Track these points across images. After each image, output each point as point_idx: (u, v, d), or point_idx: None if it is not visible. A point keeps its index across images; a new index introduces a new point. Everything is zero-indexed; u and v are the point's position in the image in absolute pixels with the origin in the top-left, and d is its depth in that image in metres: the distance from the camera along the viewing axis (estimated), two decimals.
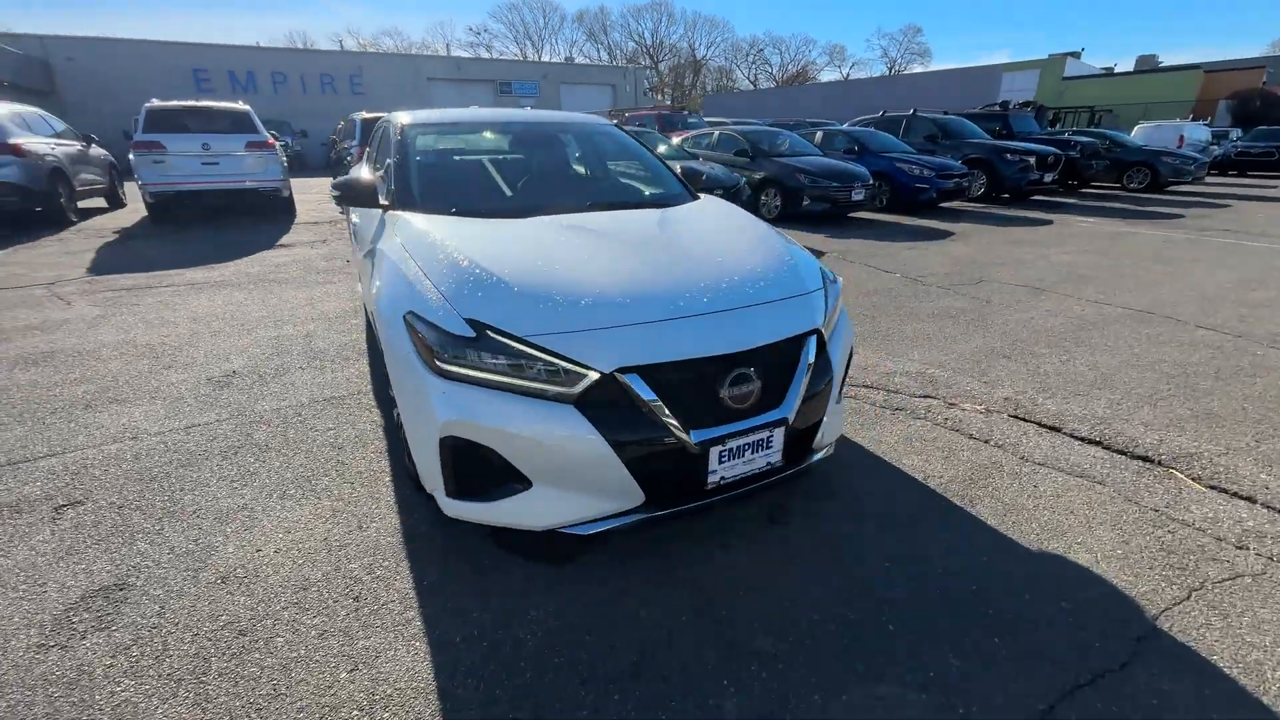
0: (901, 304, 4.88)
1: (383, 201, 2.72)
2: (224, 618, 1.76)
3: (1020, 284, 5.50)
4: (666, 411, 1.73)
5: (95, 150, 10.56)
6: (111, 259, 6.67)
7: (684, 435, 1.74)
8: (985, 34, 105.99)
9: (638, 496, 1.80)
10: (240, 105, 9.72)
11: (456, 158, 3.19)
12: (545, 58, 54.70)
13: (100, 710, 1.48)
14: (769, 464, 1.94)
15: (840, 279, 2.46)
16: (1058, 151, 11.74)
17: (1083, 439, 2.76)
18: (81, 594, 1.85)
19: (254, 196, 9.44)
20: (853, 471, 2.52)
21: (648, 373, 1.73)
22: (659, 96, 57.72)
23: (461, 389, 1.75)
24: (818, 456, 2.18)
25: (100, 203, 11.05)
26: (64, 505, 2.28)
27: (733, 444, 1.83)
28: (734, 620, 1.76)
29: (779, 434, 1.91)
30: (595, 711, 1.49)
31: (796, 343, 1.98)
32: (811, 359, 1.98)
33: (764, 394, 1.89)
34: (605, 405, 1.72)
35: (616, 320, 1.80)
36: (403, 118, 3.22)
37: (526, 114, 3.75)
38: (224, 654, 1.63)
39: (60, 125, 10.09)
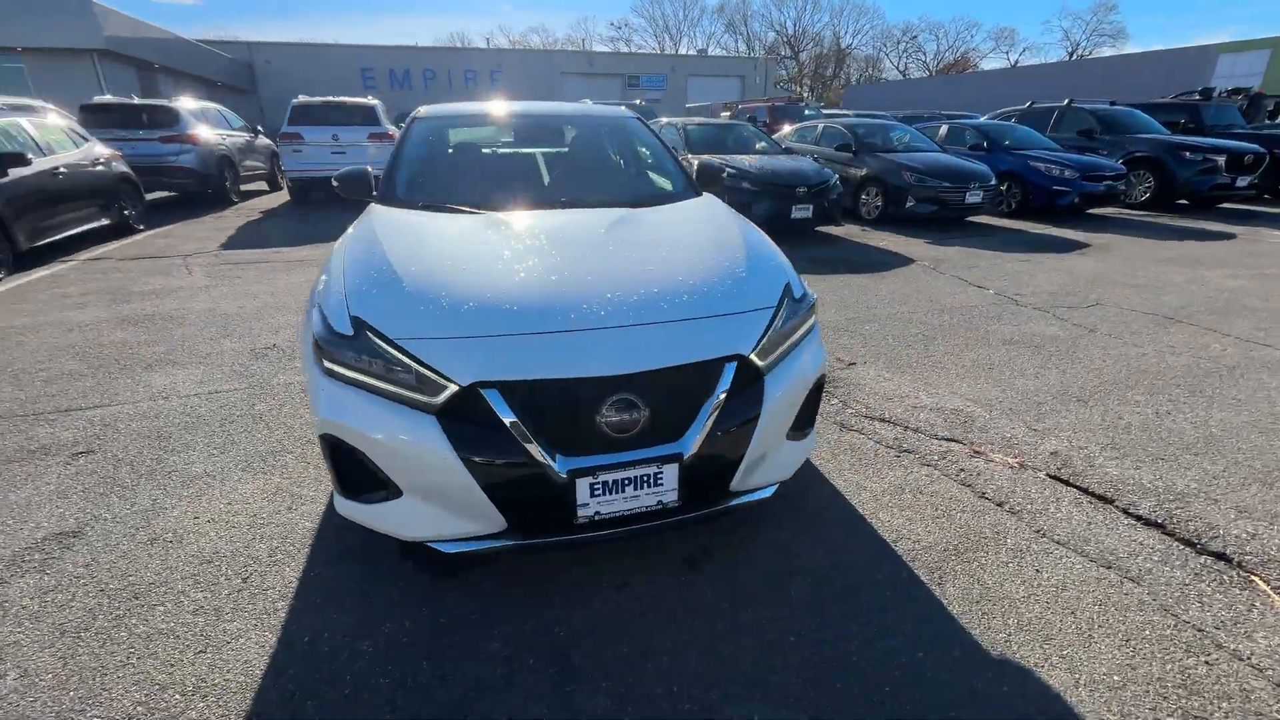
0: (975, 326, 4.22)
1: (374, 194, 2.80)
2: (130, 579, 1.89)
3: (1147, 311, 4.53)
4: (527, 434, 1.57)
5: (260, 140, 12.21)
6: (245, 235, 7.65)
7: (548, 462, 1.58)
8: (1198, 10, 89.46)
9: (498, 522, 1.66)
10: (370, 100, 10.71)
11: (451, 151, 3.20)
12: (682, 51, 54.74)
13: None
14: (660, 503, 1.71)
15: (813, 296, 2.12)
16: (1258, 150, 9.56)
17: (1139, 517, 2.17)
18: (45, 535, 2.09)
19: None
20: (809, 520, 2.18)
21: (511, 389, 1.59)
22: (797, 89, 55.48)
23: (339, 387, 1.72)
24: (743, 499, 1.89)
25: (262, 186, 12.75)
26: (80, 453, 2.61)
27: (608, 477, 1.63)
28: (582, 675, 1.58)
29: (670, 471, 1.67)
30: None
31: (708, 369, 1.72)
32: (725, 389, 1.71)
33: (657, 424, 1.67)
34: (467, 421, 1.60)
35: (493, 329, 1.68)
36: (419, 110, 3.30)
37: (540, 106, 3.70)
38: (110, 614, 1.75)
39: (236, 119, 11.80)
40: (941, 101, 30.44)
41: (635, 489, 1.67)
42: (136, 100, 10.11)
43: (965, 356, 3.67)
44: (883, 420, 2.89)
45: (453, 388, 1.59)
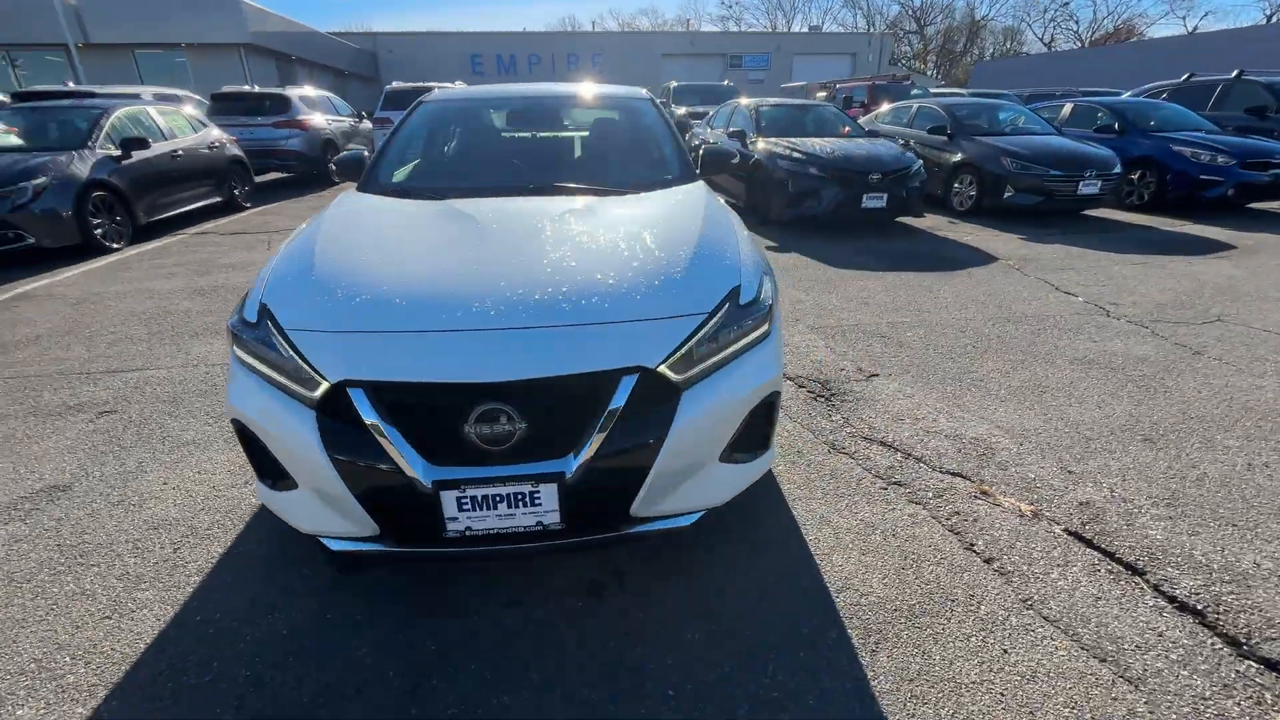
0: (1043, 340, 3.62)
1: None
2: (86, 538, 2.04)
3: None
4: (389, 438, 1.48)
5: (364, 125, 13.11)
6: None
7: (411, 471, 1.48)
8: None
9: (371, 526, 1.60)
10: (456, 85, 11.10)
11: (444, 135, 3.15)
12: (796, 28, 52.21)
13: None
14: (540, 524, 1.56)
15: (767, 302, 1.86)
16: None
17: (1172, 599, 1.73)
18: (41, 487, 2.31)
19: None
20: (747, 553, 1.94)
21: (378, 390, 1.50)
22: (919, 65, 51.19)
23: (244, 374, 1.72)
24: (653, 527, 1.70)
25: None
26: (104, 412, 2.88)
27: (476, 492, 1.51)
28: (435, 698, 1.48)
29: (550, 491, 1.52)
30: None
31: (600, 381, 1.54)
32: (620, 405, 1.52)
33: (538, 438, 1.52)
34: (340, 419, 1.54)
35: (377, 325, 1.60)
36: (427, 95, 3.29)
37: (548, 88, 3.55)
38: (53, 569, 1.89)
39: (344, 106, 12.73)
40: (1091, 77, 26.67)
41: (510, 507, 1.54)
42: (255, 89, 11.15)
43: (1016, 375, 3.15)
44: (883, 444, 2.54)
45: (325, 384, 1.54)
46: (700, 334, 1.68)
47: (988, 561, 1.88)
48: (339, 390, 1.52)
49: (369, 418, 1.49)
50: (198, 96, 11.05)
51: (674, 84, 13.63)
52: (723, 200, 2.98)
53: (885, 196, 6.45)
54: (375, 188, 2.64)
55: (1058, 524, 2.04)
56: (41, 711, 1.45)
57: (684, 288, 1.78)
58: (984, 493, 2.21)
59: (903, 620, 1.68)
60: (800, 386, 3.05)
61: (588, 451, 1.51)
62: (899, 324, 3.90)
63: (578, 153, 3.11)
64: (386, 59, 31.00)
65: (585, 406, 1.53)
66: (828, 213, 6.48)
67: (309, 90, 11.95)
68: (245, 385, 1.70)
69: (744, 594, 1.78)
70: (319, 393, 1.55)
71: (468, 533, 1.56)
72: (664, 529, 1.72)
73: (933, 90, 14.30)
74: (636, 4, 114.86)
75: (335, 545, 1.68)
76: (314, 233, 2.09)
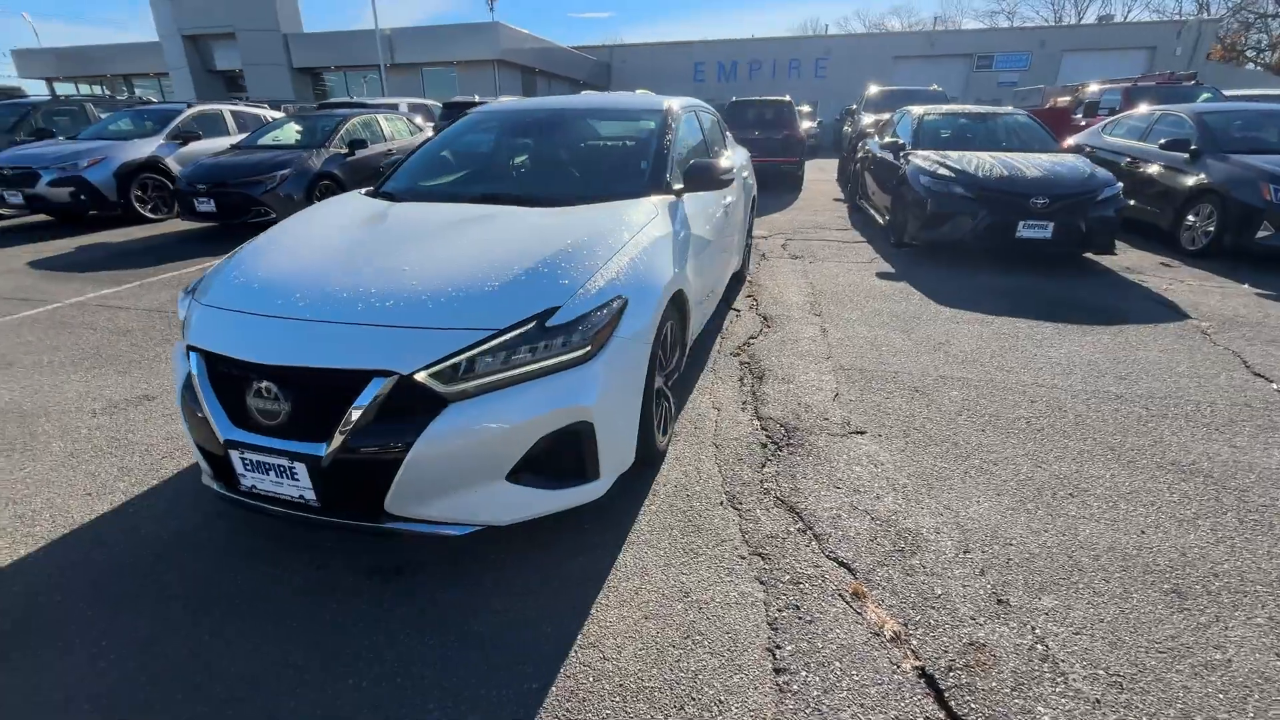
0: (1147, 432, 2.70)
1: None
2: (139, 435, 2.75)
3: None
4: (202, 396, 1.78)
5: None
6: None
7: (214, 427, 1.76)
8: None
9: (207, 468, 1.92)
10: (639, 94, 11.70)
11: (461, 143, 3.40)
12: (1089, 19, 43.88)
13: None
14: (301, 497, 1.73)
15: (585, 334, 1.78)
16: None
17: None
18: (137, 395, 3.15)
19: None
20: (537, 587, 1.86)
21: (209, 358, 1.80)
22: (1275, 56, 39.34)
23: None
24: (415, 527, 1.75)
25: None
26: None
27: (251, 456, 1.73)
28: (220, 629, 1.74)
29: (302, 469, 1.68)
30: None
31: (355, 379, 1.64)
32: (364, 404, 1.62)
33: (304, 421, 1.68)
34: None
35: (237, 304, 1.90)
36: (479, 106, 3.64)
37: (564, 101, 3.64)
38: (115, 449, 2.60)
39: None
40: None
41: (277, 476, 1.73)
42: (476, 99, 13.09)
43: (1051, 468, 2.42)
44: (790, 510, 2.18)
45: (183, 345, 1.89)
46: (480, 349, 1.69)
47: (777, 672, 1.55)
48: (191, 351, 1.86)
49: (196, 376, 1.80)
50: (430, 105, 13.37)
51: (871, 89, 12.59)
52: (697, 212, 2.83)
53: (1051, 226, 5.26)
54: (373, 187, 3.02)
55: (916, 658, 1.59)
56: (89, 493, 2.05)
57: (489, 302, 1.79)
58: (857, 594, 1.79)
59: (617, 699, 1.49)
60: (760, 428, 2.74)
61: (334, 442, 1.63)
62: (950, 378, 3.22)
63: (561, 163, 3.18)
64: (619, 69, 33.68)
65: (339, 400, 1.65)
66: (971, 239, 5.50)
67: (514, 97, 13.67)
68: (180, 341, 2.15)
69: (494, 621, 1.73)
70: (180, 352, 1.92)
71: (254, 490, 1.79)
72: (429, 532, 1.76)
73: (1229, 93, 10.95)
74: (888, 3, 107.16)
75: (203, 478, 2.05)
76: (279, 223, 2.52)
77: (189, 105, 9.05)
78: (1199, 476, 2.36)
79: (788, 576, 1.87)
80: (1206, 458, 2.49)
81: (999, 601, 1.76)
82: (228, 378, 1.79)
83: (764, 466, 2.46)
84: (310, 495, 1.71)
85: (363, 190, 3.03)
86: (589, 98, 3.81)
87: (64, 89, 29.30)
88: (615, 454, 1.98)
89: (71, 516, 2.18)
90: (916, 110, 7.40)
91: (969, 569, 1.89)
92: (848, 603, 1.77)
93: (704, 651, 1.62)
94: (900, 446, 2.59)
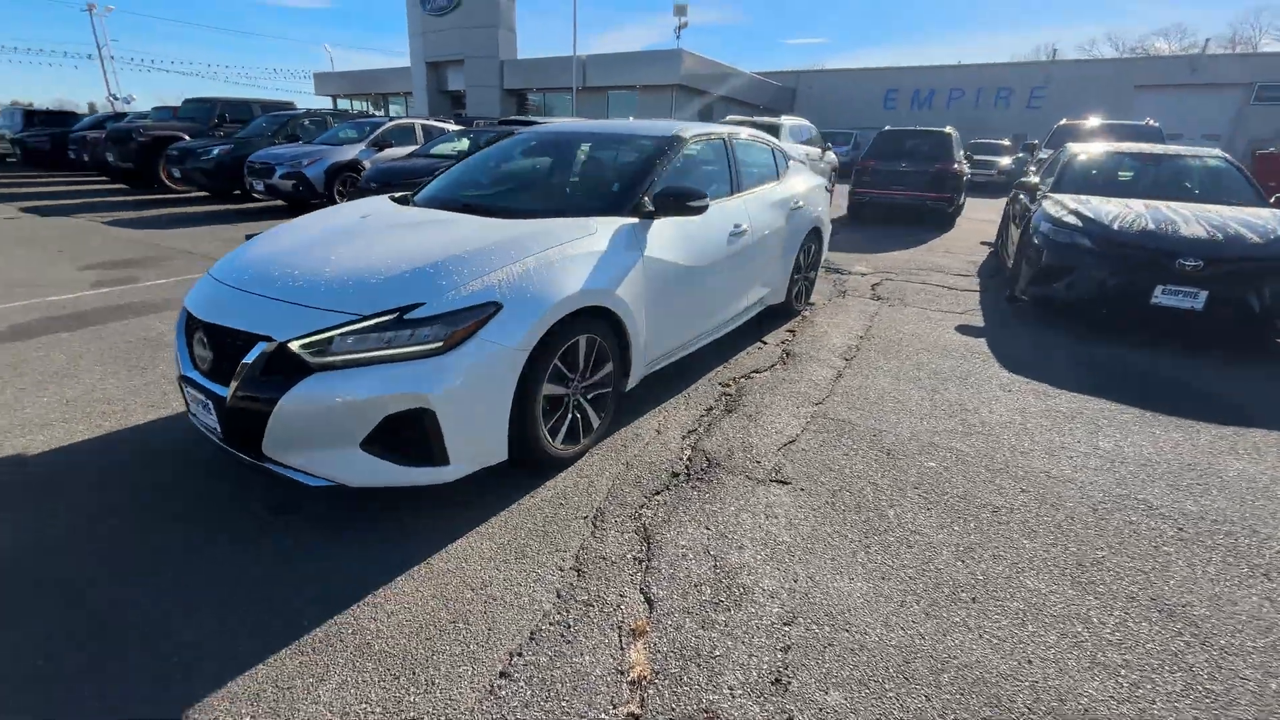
0: (1182, 567, 2.15)
1: None
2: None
3: None
4: (176, 341, 2.30)
5: (829, 155, 14.31)
6: None
7: (179, 366, 2.27)
8: None
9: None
10: (795, 120, 11.55)
11: (485, 158, 3.71)
12: None
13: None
14: (217, 430, 2.15)
15: (452, 330, 2.02)
16: None
17: None
18: None
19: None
20: (361, 535, 2.09)
21: (189, 314, 2.32)
22: None
23: None
24: (284, 471, 2.07)
25: None
26: None
27: (192, 391, 2.20)
28: (154, 527, 2.25)
29: (213, 406, 2.10)
30: None
31: (246, 339, 2.02)
32: (249, 361, 1.99)
33: (227, 369, 2.09)
34: None
35: (224, 277, 2.40)
36: (536, 125, 4.01)
37: (586, 125, 3.80)
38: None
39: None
40: None
41: (203, 410, 2.18)
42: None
43: (985, 568, 2.05)
44: (645, 538, 2.14)
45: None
46: (343, 330, 1.98)
47: (501, 675, 1.59)
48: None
49: (176, 326, 2.34)
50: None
51: (1061, 123, 11.00)
52: (678, 236, 2.90)
53: (1204, 295, 4.23)
54: (405, 195, 3.50)
55: (640, 707, 1.52)
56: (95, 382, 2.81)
57: (367, 292, 2.08)
58: (637, 631, 1.74)
59: (352, 652, 1.65)
60: (686, 457, 2.69)
61: (230, 389, 2.03)
62: (941, 447, 2.82)
63: (552, 182, 3.37)
64: (804, 95, 33.15)
65: (239, 355, 2.04)
66: (1090, 301, 4.63)
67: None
68: None
69: (319, 566, 1.99)
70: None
71: (195, 417, 2.27)
72: (293, 478, 2.08)
73: None
74: (1155, 23, 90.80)
75: None
76: (303, 215, 3.08)
77: (390, 119, 10.95)
78: (1176, 621, 1.84)
79: (586, 596, 1.88)
80: (1209, 603, 1.92)
81: (776, 682, 1.60)
82: (192, 329, 2.29)
83: (656, 493, 2.43)
84: (218, 429, 2.13)
85: (395, 194, 3.55)
86: (608, 124, 3.97)
87: (344, 104, 36.86)
88: (471, 446, 2.14)
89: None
90: (1076, 148, 6.38)
91: (774, 641, 1.72)
92: (620, 636, 1.73)
93: (457, 638, 1.71)
94: (815, 505, 2.37)
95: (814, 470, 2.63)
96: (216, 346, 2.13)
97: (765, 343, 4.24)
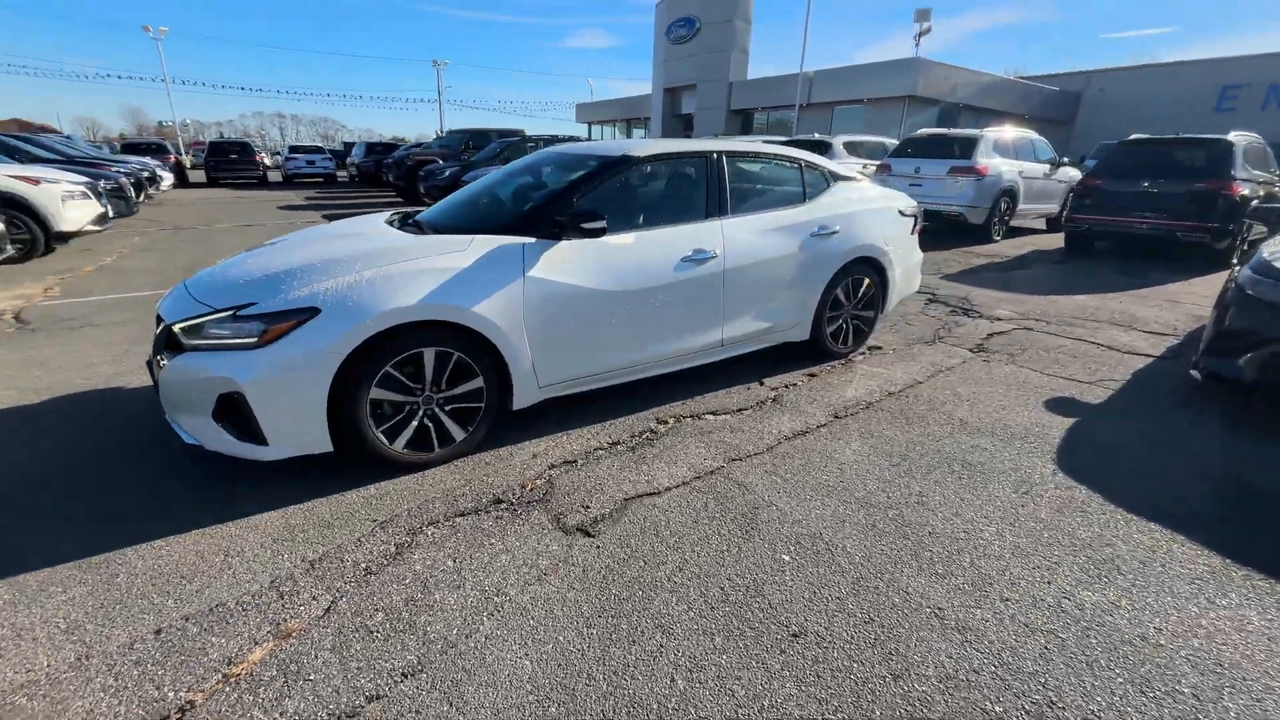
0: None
1: None
2: None
3: None
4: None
5: (1061, 173, 10.77)
6: None
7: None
8: None
9: None
10: (976, 132, 9.79)
11: (481, 179, 3.88)
12: None
13: None
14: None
15: (264, 329, 2.35)
16: None
17: None
18: None
19: (948, 219, 9.71)
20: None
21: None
22: None
23: None
24: (175, 427, 2.57)
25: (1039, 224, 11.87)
26: None
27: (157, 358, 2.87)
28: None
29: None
30: None
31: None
32: (156, 338, 2.56)
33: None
34: None
35: (190, 282, 3.06)
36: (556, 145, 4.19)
37: (569, 148, 3.69)
38: None
39: (1046, 152, 10.82)
40: None
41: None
42: (818, 136, 13.06)
43: (724, 659, 1.62)
44: (397, 550, 2.16)
45: None
46: (200, 320, 2.44)
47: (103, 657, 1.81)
48: None
49: None
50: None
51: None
52: (596, 260, 2.94)
53: None
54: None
55: (158, 687, 1.59)
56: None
57: (233, 291, 2.51)
58: (283, 632, 1.80)
59: (100, 580, 2.03)
60: (490, 483, 2.59)
61: (157, 359, 2.62)
62: (833, 550, 2.21)
63: (501, 201, 3.42)
64: (1094, 99, 27.22)
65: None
66: (1258, 375, 3.10)
67: (1012, 131, 12.93)
68: None
69: (140, 502, 2.45)
70: None
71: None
72: (177, 432, 2.58)
73: None
74: None
75: None
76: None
77: (570, 140, 12.13)
78: None
79: (290, 588, 1.98)
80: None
81: (351, 717, 1.52)
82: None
83: (460, 515, 2.40)
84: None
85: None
86: (589, 145, 3.83)
87: (595, 131, 41.72)
88: (288, 433, 2.40)
89: None
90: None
91: (382, 682, 1.62)
92: (269, 630, 1.81)
93: (170, 588, 1.98)
94: (587, 569, 2.09)
95: (636, 532, 2.31)
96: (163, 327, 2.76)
97: (763, 383, 3.75)
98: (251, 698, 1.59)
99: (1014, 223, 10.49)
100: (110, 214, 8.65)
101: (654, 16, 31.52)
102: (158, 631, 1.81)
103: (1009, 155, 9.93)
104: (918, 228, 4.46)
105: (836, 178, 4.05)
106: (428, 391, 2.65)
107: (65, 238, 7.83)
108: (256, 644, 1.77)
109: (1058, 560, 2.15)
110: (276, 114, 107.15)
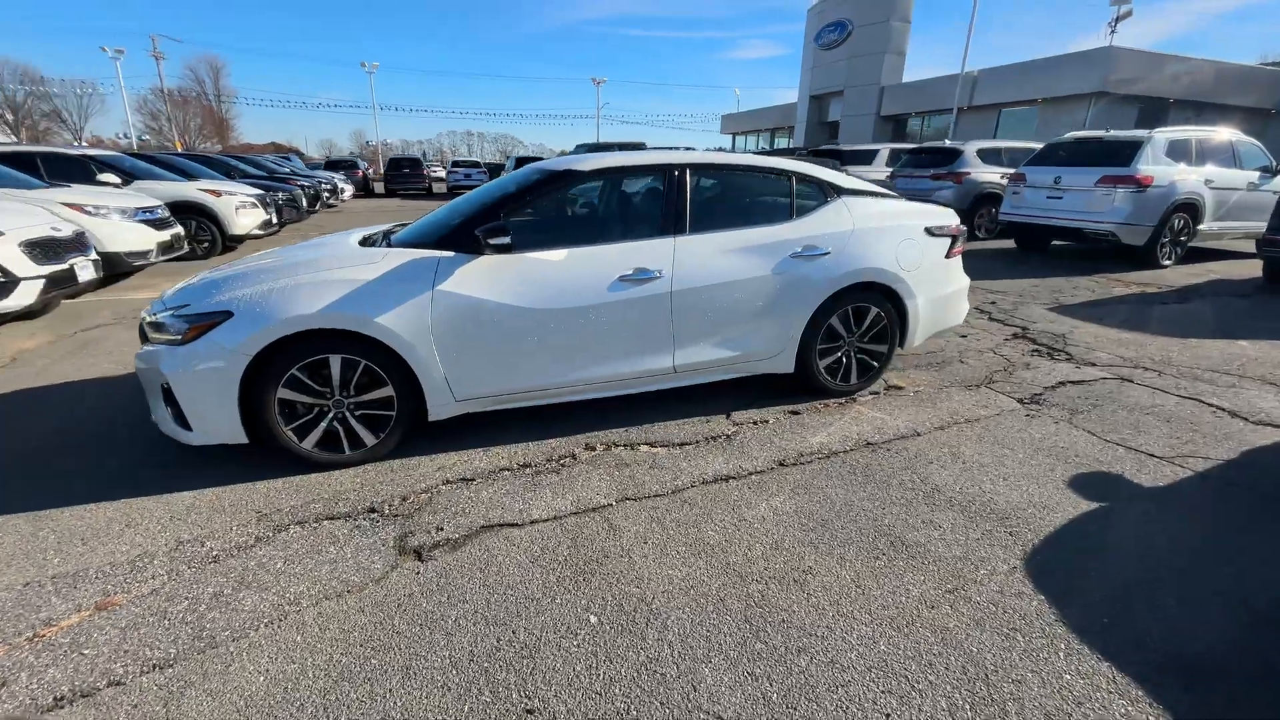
0: None
1: None
2: None
3: None
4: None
5: (1277, 183, 8.38)
6: None
7: None
8: None
9: None
10: (1139, 133, 7.99)
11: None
12: None
13: None
14: None
15: (186, 327, 2.64)
16: None
17: None
18: None
19: (1093, 239, 8.10)
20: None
21: None
22: None
23: None
24: (151, 404, 3.01)
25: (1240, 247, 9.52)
26: None
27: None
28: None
29: None
30: None
31: None
32: (140, 327, 2.99)
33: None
34: None
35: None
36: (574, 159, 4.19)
37: (558, 161, 3.55)
38: None
39: (1257, 158, 8.61)
40: None
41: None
42: (937, 144, 11.59)
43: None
44: (264, 535, 2.29)
45: None
46: (153, 318, 2.79)
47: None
48: None
49: None
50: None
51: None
52: (520, 275, 2.95)
53: None
54: None
55: None
56: None
57: (188, 293, 2.82)
58: (104, 604, 1.99)
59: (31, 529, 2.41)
60: (374, 489, 2.61)
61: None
62: (655, 617, 1.93)
63: (443, 216, 3.47)
64: None
65: None
66: None
67: (979, 142, 11.23)
68: None
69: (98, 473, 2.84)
70: None
71: None
72: (151, 407, 3.00)
73: None
74: None
75: None
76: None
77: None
78: None
79: (138, 554, 2.20)
80: None
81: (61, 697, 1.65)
82: None
83: (328, 519, 2.48)
84: None
85: None
86: (554, 160, 3.64)
87: (739, 141, 41.25)
88: (206, 422, 2.66)
89: None
90: None
91: (98, 676, 1.73)
92: (93, 602, 2.01)
93: (50, 556, 2.29)
94: (403, 588, 2.05)
95: (466, 564, 2.20)
96: None
97: (729, 416, 3.41)
98: (34, 659, 1.78)
99: (1198, 244, 8.45)
100: (274, 220, 10.37)
101: (804, 23, 30.45)
102: (26, 584, 2.10)
103: (1193, 160, 8.02)
104: (957, 248, 3.76)
105: (841, 192, 3.55)
106: (337, 396, 2.78)
107: (239, 239, 9.52)
108: (78, 610, 1.98)
109: (925, 689, 1.66)
110: (466, 132, 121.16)
